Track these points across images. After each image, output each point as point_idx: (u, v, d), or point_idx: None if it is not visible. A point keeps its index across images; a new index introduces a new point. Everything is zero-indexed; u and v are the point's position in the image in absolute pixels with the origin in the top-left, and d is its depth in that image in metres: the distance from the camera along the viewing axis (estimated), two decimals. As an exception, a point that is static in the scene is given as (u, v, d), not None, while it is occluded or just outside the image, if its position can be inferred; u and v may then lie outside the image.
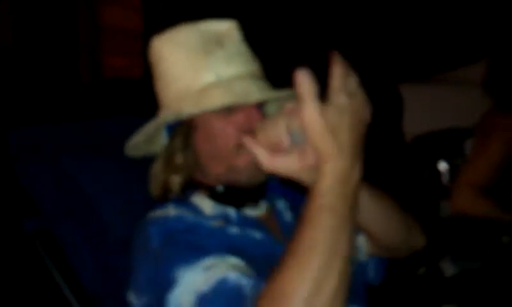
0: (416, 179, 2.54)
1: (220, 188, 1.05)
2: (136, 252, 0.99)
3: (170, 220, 0.98)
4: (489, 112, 2.01)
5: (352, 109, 0.77)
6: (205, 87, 1.02)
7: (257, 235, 1.04)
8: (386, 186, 1.08)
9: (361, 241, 1.12)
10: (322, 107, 0.75)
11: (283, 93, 1.03)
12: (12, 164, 1.23)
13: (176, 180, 1.07)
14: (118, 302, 1.06)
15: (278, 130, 0.85)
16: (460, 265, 1.87)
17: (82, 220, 1.23)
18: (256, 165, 0.86)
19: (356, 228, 1.04)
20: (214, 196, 1.06)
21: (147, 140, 1.09)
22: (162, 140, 1.10)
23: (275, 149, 0.84)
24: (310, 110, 0.75)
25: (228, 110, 1.02)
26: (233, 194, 1.06)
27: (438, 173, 2.41)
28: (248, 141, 0.85)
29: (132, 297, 0.97)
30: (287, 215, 1.14)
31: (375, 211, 1.03)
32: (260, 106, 1.05)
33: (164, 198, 1.08)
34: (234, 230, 1.02)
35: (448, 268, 1.88)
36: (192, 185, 1.08)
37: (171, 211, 1.01)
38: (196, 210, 1.04)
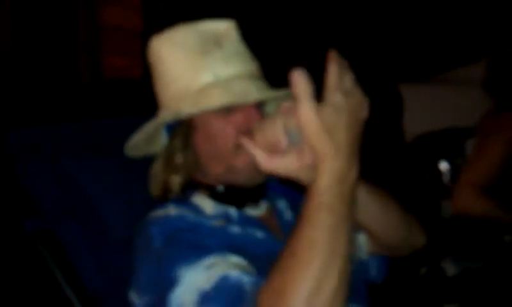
0: (417, 179, 2.54)
1: (220, 188, 1.05)
2: (138, 252, 0.99)
3: (171, 219, 0.99)
4: (489, 113, 2.01)
5: (348, 108, 0.77)
6: (203, 87, 1.02)
7: (258, 234, 1.04)
8: (387, 186, 1.08)
9: (362, 239, 1.12)
10: (318, 106, 0.75)
11: (281, 93, 1.03)
12: (12, 164, 1.23)
13: (176, 180, 1.07)
14: (119, 301, 1.06)
15: (276, 130, 0.86)
16: (462, 264, 1.87)
17: (82, 220, 1.23)
18: (255, 166, 0.86)
19: (355, 226, 1.05)
20: (215, 195, 1.06)
21: (147, 140, 1.09)
22: (162, 140, 1.10)
23: (273, 149, 0.84)
24: (306, 110, 0.75)
25: (227, 110, 1.02)
26: (234, 194, 1.06)
27: (439, 172, 2.41)
28: (246, 142, 0.85)
29: (134, 297, 0.97)
30: (288, 215, 1.15)
31: (375, 209, 1.03)
32: (259, 106, 1.05)
33: (164, 198, 1.07)
34: (235, 229, 1.02)
35: (450, 268, 1.88)
36: (192, 185, 1.08)
37: (171, 211, 1.01)
38: (196, 210, 1.04)
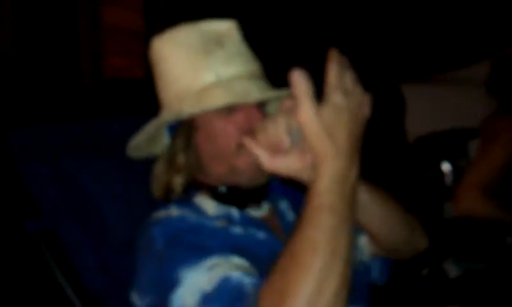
0: (419, 180, 2.53)
1: (222, 188, 1.05)
2: (140, 252, 0.98)
3: (173, 220, 0.98)
4: (493, 114, 2.01)
5: (349, 108, 0.76)
6: (205, 87, 1.02)
7: (260, 235, 1.04)
8: (389, 187, 1.07)
9: (363, 241, 1.11)
10: (319, 106, 0.75)
11: (283, 92, 1.03)
12: (14, 165, 1.23)
13: (178, 181, 1.07)
14: (120, 302, 1.06)
15: (278, 129, 0.85)
16: (463, 266, 1.87)
17: (83, 220, 1.23)
18: (257, 167, 0.86)
19: (358, 228, 1.04)
20: (217, 196, 1.06)
21: (148, 140, 1.08)
22: (164, 141, 1.09)
23: (275, 149, 0.84)
24: (306, 110, 0.75)
25: (229, 110, 1.02)
26: (236, 195, 1.06)
27: (441, 173, 2.40)
28: (248, 142, 0.85)
29: (136, 298, 0.97)
30: (290, 215, 1.14)
31: (378, 212, 1.03)
32: (260, 106, 1.05)
33: (167, 199, 1.07)
34: (237, 230, 1.02)
35: (452, 270, 1.87)
36: (194, 186, 1.08)
37: (173, 211, 1.01)
38: (198, 211, 1.04)
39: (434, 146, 2.57)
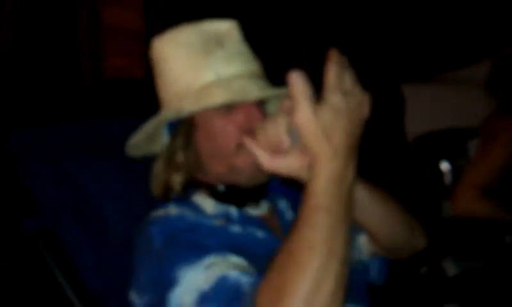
0: (418, 179, 2.54)
1: (221, 187, 1.05)
2: (138, 252, 0.99)
3: (172, 219, 0.99)
4: (493, 114, 2.01)
5: (348, 108, 0.76)
6: (205, 86, 1.02)
7: (259, 233, 1.04)
8: (388, 186, 1.08)
9: (363, 240, 1.11)
10: (316, 107, 0.75)
11: (282, 91, 1.03)
12: (13, 164, 1.23)
13: (177, 179, 1.07)
14: (120, 301, 1.06)
15: (278, 129, 0.86)
16: (462, 264, 1.87)
17: (83, 220, 1.23)
18: (256, 166, 0.86)
19: (357, 227, 1.04)
20: (215, 195, 1.06)
21: (148, 139, 1.09)
22: (163, 139, 1.10)
23: (275, 149, 0.84)
24: (303, 111, 0.75)
25: (228, 109, 1.02)
26: (235, 194, 1.06)
27: (440, 173, 2.40)
28: (248, 141, 0.85)
29: (134, 297, 0.97)
30: (288, 215, 1.14)
31: (377, 211, 1.03)
32: (260, 105, 1.05)
33: (166, 198, 1.07)
34: (236, 229, 1.02)
35: (451, 268, 1.88)
36: (193, 184, 1.08)
37: (172, 210, 1.01)
38: (197, 209, 1.04)
39: (433, 145, 2.57)
